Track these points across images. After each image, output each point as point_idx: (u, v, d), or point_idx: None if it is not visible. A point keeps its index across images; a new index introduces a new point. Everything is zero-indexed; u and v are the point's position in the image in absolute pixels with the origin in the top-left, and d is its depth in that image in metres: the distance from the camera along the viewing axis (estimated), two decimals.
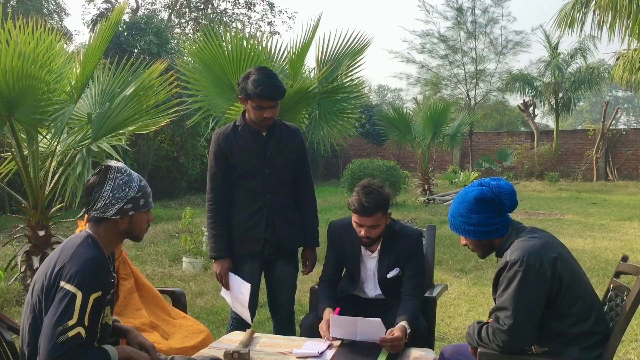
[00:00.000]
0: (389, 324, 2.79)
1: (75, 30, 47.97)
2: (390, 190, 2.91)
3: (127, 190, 2.01)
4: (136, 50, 14.42)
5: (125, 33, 14.37)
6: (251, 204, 3.02)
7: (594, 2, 9.59)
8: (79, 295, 1.85)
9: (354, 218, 2.78)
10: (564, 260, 2.14)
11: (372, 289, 2.92)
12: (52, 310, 1.85)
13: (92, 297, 1.88)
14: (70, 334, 1.82)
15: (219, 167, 3.07)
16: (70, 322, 1.83)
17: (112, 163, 2.06)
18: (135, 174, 2.07)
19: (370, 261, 2.89)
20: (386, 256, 2.84)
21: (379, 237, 2.82)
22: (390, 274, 2.83)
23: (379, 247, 2.87)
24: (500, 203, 2.27)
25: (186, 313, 3.07)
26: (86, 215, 2.08)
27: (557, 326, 2.13)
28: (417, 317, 2.69)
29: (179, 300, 3.11)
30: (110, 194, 1.99)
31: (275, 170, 3.04)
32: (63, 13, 24.37)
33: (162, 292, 3.06)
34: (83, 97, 5.31)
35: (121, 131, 5.32)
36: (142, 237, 2.12)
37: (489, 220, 2.26)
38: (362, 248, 2.89)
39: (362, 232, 2.75)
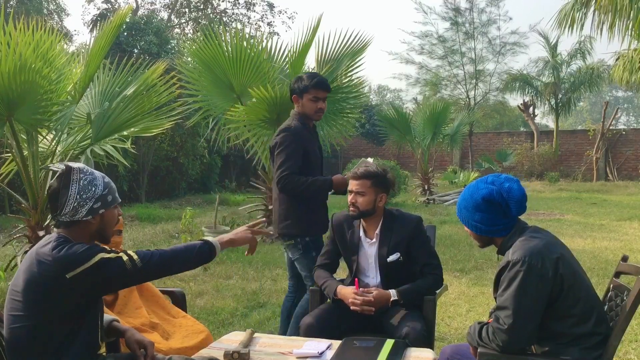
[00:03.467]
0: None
1: (75, 30, 48.02)
2: (390, 174, 3.03)
3: (94, 189, 1.97)
4: (136, 51, 14.43)
5: (125, 33, 14.38)
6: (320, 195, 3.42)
7: (594, 2, 9.58)
8: (100, 255, 1.86)
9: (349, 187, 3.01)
10: (566, 261, 2.13)
11: (372, 278, 2.96)
12: (108, 280, 1.89)
13: (107, 248, 1.92)
14: (135, 256, 1.91)
15: (297, 160, 3.32)
16: (124, 258, 1.89)
17: (73, 164, 2.01)
18: (97, 172, 2.04)
19: (370, 248, 2.96)
20: (386, 240, 2.91)
21: (367, 212, 2.91)
22: (391, 258, 2.88)
23: (377, 232, 2.94)
24: (507, 207, 2.24)
25: (186, 313, 3.07)
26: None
27: (558, 326, 2.13)
28: (423, 290, 2.84)
29: (179, 301, 3.10)
30: (77, 196, 1.94)
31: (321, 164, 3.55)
32: (63, 13, 24.37)
33: (162, 292, 3.06)
34: (83, 97, 5.31)
35: (125, 133, 5.32)
36: (111, 236, 2.09)
37: (492, 220, 2.26)
38: (362, 235, 2.97)
39: (350, 198, 2.94)
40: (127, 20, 15.29)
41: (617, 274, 2.40)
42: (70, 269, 1.83)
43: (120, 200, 2.10)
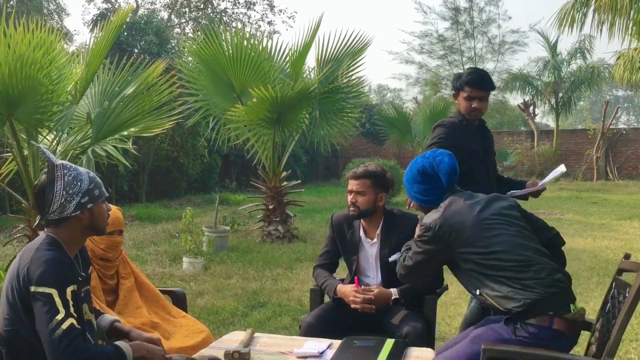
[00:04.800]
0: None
1: (75, 30, 47.95)
2: (390, 173, 3.02)
3: (79, 184, 1.96)
4: (136, 50, 14.44)
5: (125, 33, 14.39)
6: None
7: (594, 2, 9.57)
8: (54, 292, 1.82)
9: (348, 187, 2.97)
10: (467, 226, 2.26)
11: (373, 278, 2.95)
12: (37, 315, 1.82)
13: (69, 290, 1.87)
14: (64, 326, 1.79)
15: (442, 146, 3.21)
16: (59, 316, 1.80)
17: (57, 161, 1.99)
18: (81, 168, 2.03)
19: (371, 248, 2.95)
20: (387, 240, 2.90)
21: (368, 212, 2.89)
22: (392, 258, 2.86)
23: (378, 232, 2.93)
24: (439, 179, 2.43)
25: (187, 313, 3.07)
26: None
27: (501, 275, 2.21)
28: (424, 289, 2.84)
29: (179, 300, 3.10)
30: (64, 192, 1.93)
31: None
32: (63, 13, 24.37)
33: (162, 292, 3.06)
34: (83, 97, 5.30)
35: (125, 133, 5.31)
36: (105, 228, 2.08)
37: (427, 191, 2.48)
38: (362, 235, 2.96)
39: (350, 198, 2.91)
40: (127, 20, 15.29)
41: (620, 272, 2.41)
42: (35, 284, 1.82)
43: (107, 194, 2.09)
